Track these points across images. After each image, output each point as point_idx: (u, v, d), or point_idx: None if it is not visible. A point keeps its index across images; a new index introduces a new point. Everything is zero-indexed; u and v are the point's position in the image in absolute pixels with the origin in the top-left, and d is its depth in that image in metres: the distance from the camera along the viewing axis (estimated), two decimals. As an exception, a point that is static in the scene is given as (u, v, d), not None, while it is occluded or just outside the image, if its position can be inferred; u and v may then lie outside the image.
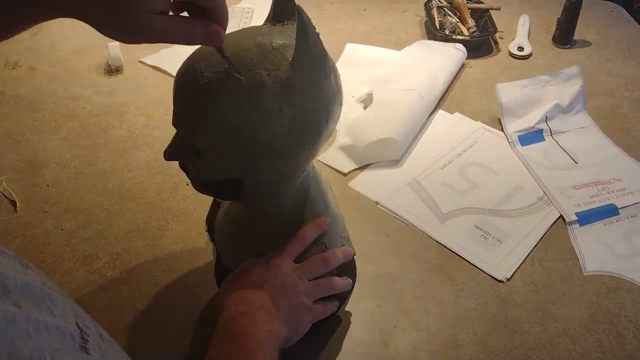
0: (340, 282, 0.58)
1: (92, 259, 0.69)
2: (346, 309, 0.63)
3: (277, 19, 0.52)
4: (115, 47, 1.00)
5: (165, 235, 0.72)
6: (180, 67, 0.49)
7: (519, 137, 0.86)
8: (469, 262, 0.68)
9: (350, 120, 0.87)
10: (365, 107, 0.92)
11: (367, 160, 0.82)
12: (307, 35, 0.45)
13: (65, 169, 0.82)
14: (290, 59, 0.46)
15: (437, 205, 0.76)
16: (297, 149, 0.49)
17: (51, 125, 0.90)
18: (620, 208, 0.74)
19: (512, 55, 1.06)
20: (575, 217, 0.73)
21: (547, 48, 1.09)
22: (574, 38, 1.09)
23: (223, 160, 0.49)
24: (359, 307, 0.64)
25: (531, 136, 0.86)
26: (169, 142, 0.51)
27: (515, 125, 0.87)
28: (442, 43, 1.03)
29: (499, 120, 0.89)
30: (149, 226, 0.73)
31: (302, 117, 0.47)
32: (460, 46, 1.01)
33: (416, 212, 0.75)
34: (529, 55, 1.06)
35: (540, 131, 0.87)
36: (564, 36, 1.08)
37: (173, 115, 0.50)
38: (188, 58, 0.50)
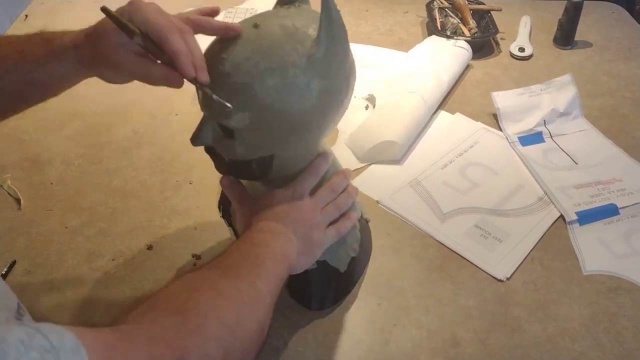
0: (345, 198, 0.60)
1: (95, 256, 0.70)
2: (347, 307, 0.64)
3: (288, 2, 0.55)
4: (119, 47, 1.01)
5: (168, 233, 0.73)
6: (207, 52, 0.51)
7: (519, 138, 0.87)
8: (469, 261, 0.69)
9: (353, 122, 0.88)
10: (366, 107, 0.92)
11: (368, 160, 0.83)
12: (330, 12, 0.48)
13: (69, 168, 0.83)
14: (313, 37, 0.49)
15: (438, 204, 0.76)
16: (323, 121, 0.53)
17: (56, 124, 0.91)
18: (620, 208, 0.75)
19: (513, 56, 1.06)
20: (575, 217, 0.73)
21: (548, 49, 1.09)
22: (575, 39, 1.09)
23: (256, 138, 0.51)
24: (360, 305, 0.64)
25: (531, 138, 0.87)
26: (197, 127, 0.53)
27: (514, 129, 0.88)
28: (449, 41, 1.04)
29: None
30: (152, 224, 0.74)
31: (327, 91, 0.51)
32: (467, 46, 1.02)
33: (417, 211, 0.75)
34: (530, 56, 1.06)
35: (540, 133, 0.87)
36: (565, 37, 1.08)
37: (202, 98, 0.51)
38: (213, 42, 0.52)
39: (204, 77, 0.48)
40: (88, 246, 0.71)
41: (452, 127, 0.90)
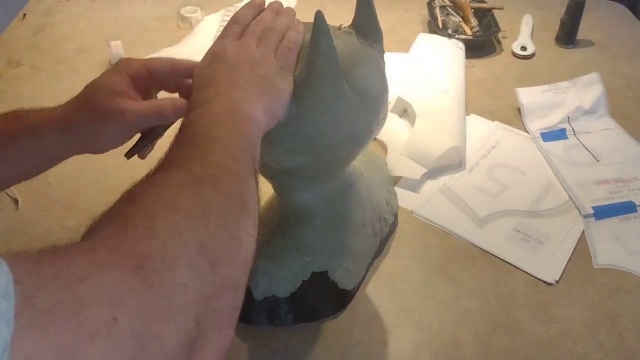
0: (278, 19, 0.50)
1: (93, 257, 0.69)
2: (347, 309, 0.63)
3: (362, 34, 0.54)
4: (117, 46, 1.00)
5: (167, 233, 0.72)
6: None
7: (542, 134, 0.86)
8: (516, 267, 0.68)
9: (394, 132, 0.85)
10: (400, 116, 0.90)
11: (433, 166, 0.80)
12: (319, 45, 0.46)
13: (67, 167, 0.81)
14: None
15: (472, 210, 0.75)
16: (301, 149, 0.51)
17: (53, 123, 0.90)
18: (638, 205, 0.74)
19: (515, 54, 1.06)
20: (591, 211, 0.73)
21: (550, 48, 1.08)
22: (577, 38, 1.08)
23: None
24: (360, 306, 0.64)
25: (554, 134, 0.86)
26: None
27: (537, 124, 0.88)
28: (443, 38, 1.03)
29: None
30: (150, 225, 0.73)
31: (304, 122, 0.49)
32: (460, 44, 1.02)
33: (453, 218, 0.74)
34: (532, 55, 1.06)
35: (563, 130, 0.87)
36: (567, 36, 1.07)
37: None
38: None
39: None
40: (86, 247, 0.71)
41: (469, 128, 0.88)
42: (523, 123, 0.89)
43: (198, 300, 0.29)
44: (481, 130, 0.88)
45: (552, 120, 0.88)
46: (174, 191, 0.33)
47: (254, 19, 0.51)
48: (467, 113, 0.91)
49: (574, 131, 0.87)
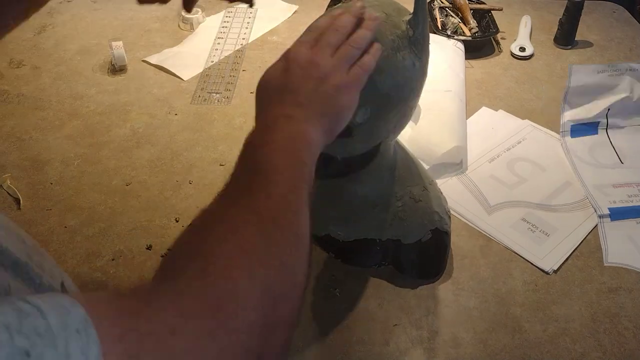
0: (361, 34, 0.48)
1: (95, 256, 0.70)
2: (348, 307, 0.64)
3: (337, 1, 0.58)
4: (119, 47, 1.01)
5: (168, 233, 0.72)
6: None
7: (572, 126, 0.86)
8: (516, 253, 0.70)
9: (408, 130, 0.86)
10: None
11: (435, 168, 0.81)
12: (424, 11, 0.52)
13: (68, 167, 0.83)
14: (402, 21, 0.53)
15: (485, 197, 0.77)
16: (418, 99, 0.56)
17: (55, 123, 0.90)
18: None
19: (513, 55, 1.06)
20: (607, 212, 0.74)
21: (548, 49, 1.09)
22: (576, 39, 1.09)
23: (373, 129, 0.53)
24: (360, 305, 0.64)
25: (585, 128, 0.86)
26: None
27: (572, 114, 0.86)
28: (443, 38, 1.04)
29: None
30: (151, 224, 0.74)
31: (422, 69, 0.54)
32: (459, 45, 1.02)
33: (463, 202, 0.76)
34: (531, 56, 1.06)
35: (596, 124, 0.86)
36: (566, 37, 1.08)
37: None
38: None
39: None
40: (87, 246, 0.71)
41: (497, 123, 0.90)
42: (560, 107, 0.86)
43: (261, 338, 0.32)
44: (508, 126, 0.90)
45: (590, 110, 0.85)
46: (241, 230, 0.36)
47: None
48: (496, 109, 0.93)
49: (607, 125, 0.86)
